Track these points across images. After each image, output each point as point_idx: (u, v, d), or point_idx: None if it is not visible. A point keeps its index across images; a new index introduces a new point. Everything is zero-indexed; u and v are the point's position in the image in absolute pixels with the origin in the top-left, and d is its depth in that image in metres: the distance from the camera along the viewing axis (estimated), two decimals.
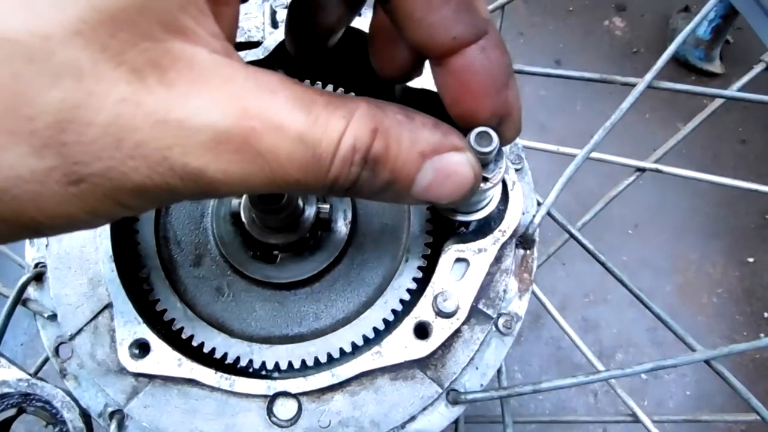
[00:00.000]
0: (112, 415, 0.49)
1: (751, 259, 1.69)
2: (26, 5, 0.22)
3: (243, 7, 0.56)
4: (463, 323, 0.49)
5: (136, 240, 0.56)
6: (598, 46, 1.95)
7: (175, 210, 0.58)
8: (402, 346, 0.48)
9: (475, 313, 0.51)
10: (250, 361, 0.52)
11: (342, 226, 0.57)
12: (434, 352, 0.48)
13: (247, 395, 0.48)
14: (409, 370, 0.49)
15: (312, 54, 0.42)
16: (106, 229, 0.51)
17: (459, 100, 0.34)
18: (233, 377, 0.48)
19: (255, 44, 0.56)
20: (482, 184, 0.39)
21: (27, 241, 0.55)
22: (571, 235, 0.64)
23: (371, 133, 0.28)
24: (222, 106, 0.25)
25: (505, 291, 0.52)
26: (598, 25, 1.98)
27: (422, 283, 0.54)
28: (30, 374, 0.50)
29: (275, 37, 0.56)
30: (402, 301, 0.53)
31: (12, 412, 0.49)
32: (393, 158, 0.29)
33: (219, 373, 0.48)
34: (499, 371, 0.59)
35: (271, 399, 0.48)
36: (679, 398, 1.53)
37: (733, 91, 0.71)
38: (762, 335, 1.59)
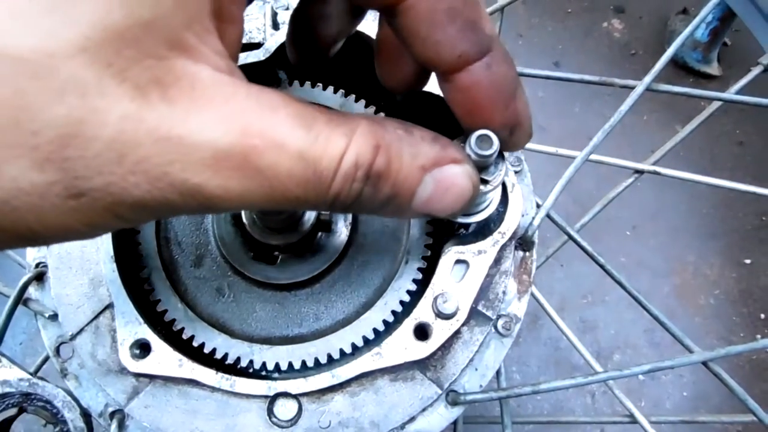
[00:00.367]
0: (112, 414, 0.50)
1: (748, 261, 1.70)
2: (31, 23, 0.22)
3: None
4: (463, 324, 0.49)
5: (137, 240, 0.56)
6: (597, 47, 1.96)
7: None
8: (402, 347, 0.48)
9: (474, 314, 0.51)
10: (251, 362, 0.52)
11: (342, 228, 0.57)
12: (434, 353, 0.49)
13: (248, 396, 0.48)
14: (409, 371, 0.50)
15: (313, 63, 0.42)
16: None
17: (469, 114, 0.35)
18: (234, 378, 0.48)
19: (256, 45, 0.57)
20: (483, 187, 0.39)
21: None
22: (570, 237, 0.64)
23: (374, 150, 0.29)
24: (223, 124, 0.26)
25: (504, 292, 0.53)
26: (597, 27, 1.99)
27: (422, 284, 0.54)
28: (31, 374, 0.50)
29: (276, 38, 0.57)
30: (402, 303, 0.54)
31: (13, 411, 0.50)
32: (395, 173, 0.30)
33: (220, 374, 0.48)
34: (498, 372, 0.59)
35: (272, 399, 0.48)
36: (676, 399, 1.53)
37: (730, 93, 0.71)
38: (759, 336, 1.60)
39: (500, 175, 0.39)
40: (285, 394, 0.48)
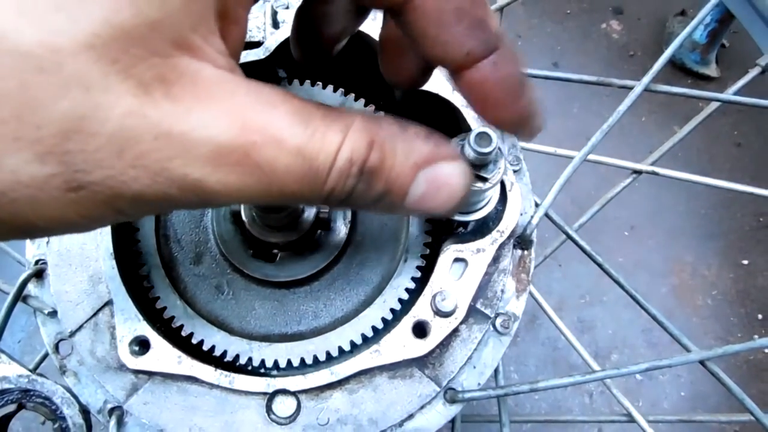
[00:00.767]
0: (111, 411, 0.50)
1: (745, 262, 1.70)
2: (39, 19, 0.23)
3: None
4: (461, 322, 0.50)
5: (137, 238, 0.56)
6: (596, 48, 1.97)
7: None
8: (400, 344, 0.48)
9: (473, 312, 0.51)
10: (250, 359, 0.52)
11: (341, 226, 0.57)
12: (432, 351, 0.49)
13: (247, 392, 0.48)
14: (408, 369, 0.50)
15: (317, 60, 0.43)
16: (107, 227, 0.51)
17: (481, 109, 0.36)
18: (233, 374, 0.48)
19: (256, 44, 0.57)
20: (482, 184, 0.39)
21: None
22: (569, 237, 0.64)
23: (368, 146, 0.29)
24: (224, 120, 0.26)
25: (502, 291, 0.53)
26: (596, 28, 1.99)
27: (421, 282, 0.54)
28: (30, 370, 0.50)
29: (276, 37, 0.57)
30: (401, 301, 0.54)
31: (12, 407, 0.50)
32: (388, 170, 0.30)
33: (219, 371, 0.48)
34: (496, 371, 0.59)
35: (270, 396, 0.48)
36: (673, 399, 1.54)
37: (728, 94, 0.71)
38: (756, 337, 1.60)
39: (499, 172, 0.39)
40: (284, 391, 0.48)
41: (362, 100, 0.55)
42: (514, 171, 0.57)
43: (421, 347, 0.48)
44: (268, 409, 0.48)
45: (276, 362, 0.52)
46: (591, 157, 0.66)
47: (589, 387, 1.52)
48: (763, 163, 1.80)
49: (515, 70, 0.35)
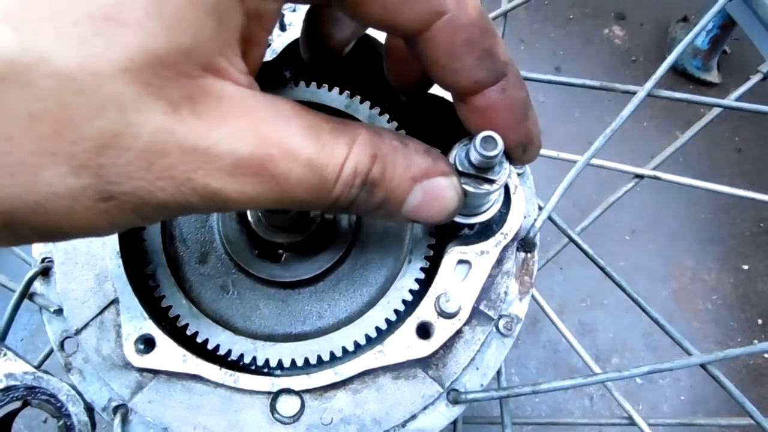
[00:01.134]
0: (116, 409, 0.50)
1: (745, 267, 1.71)
2: (77, 44, 0.24)
3: None
4: (465, 324, 0.50)
5: (143, 237, 0.56)
6: (598, 54, 1.97)
7: None
8: (404, 345, 0.49)
9: (476, 314, 0.52)
10: (254, 359, 0.53)
11: (346, 227, 0.58)
12: (436, 352, 0.49)
13: (251, 392, 0.48)
14: (411, 370, 0.50)
15: (326, 61, 0.44)
16: None
17: None
18: (237, 374, 0.48)
19: None
20: (489, 186, 0.40)
21: None
22: (572, 240, 0.65)
23: (371, 159, 0.32)
24: (244, 135, 0.28)
25: (506, 293, 0.53)
26: (598, 34, 2.00)
27: (424, 284, 0.54)
28: (36, 367, 0.51)
29: (283, 39, 0.57)
30: (404, 302, 0.54)
31: (17, 404, 0.50)
32: (388, 181, 0.33)
33: (223, 370, 0.48)
34: (498, 372, 0.60)
35: (275, 396, 0.49)
36: (673, 402, 1.54)
37: (730, 100, 0.72)
38: (756, 341, 1.60)
39: (505, 174, 0.40)
40: (288, 391, 0.49)
41: (368, 103, 0.56)
42: (518, 174, 0.57)
43: (424, 348, 0.49)
44: (272, 409, 0.48)
45: (280, 362, 0.52)
46: (593, 161, 0.66)
47: (590, 390, 1.52)
48: (764, 169, 1.81)
49: (522, 95, 0.37)
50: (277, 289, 0.57)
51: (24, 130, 0.24)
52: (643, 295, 0.64)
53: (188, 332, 0.53)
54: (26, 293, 0.54)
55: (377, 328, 0.53)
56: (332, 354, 0.53)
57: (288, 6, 0.61)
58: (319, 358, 0.53)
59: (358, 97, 0.56)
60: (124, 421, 0.49)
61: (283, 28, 0.59)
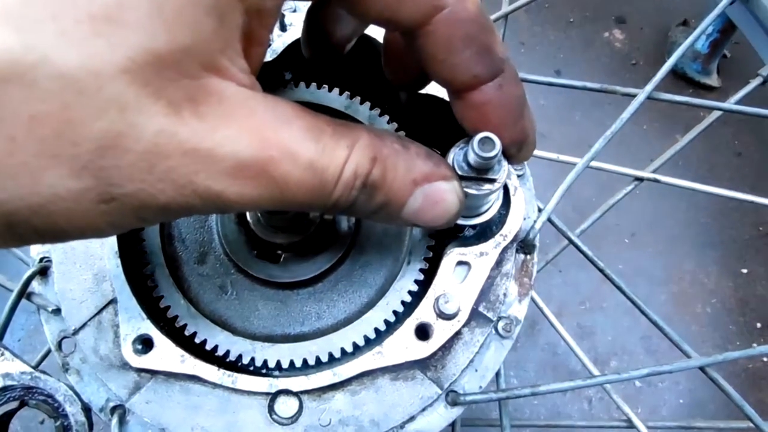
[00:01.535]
0: (113, 409, 0.50)
1: (744, 270, 1.70)
2: (78, 44, 0.24)
3: None
4: (464, 325, 0.50)
5: (141, 237, 0.56)
6: (598, 57, 1.98)
7: None
8: (403, 346, 0.48)
9: (475, 315, 0.52)
10: (252, 359, 0.52)
11: (345, 228, 0.58)
12: (434, 354, 0.49)
13: (249, 392, 0.48)
14: (410, 371, 0.50)
15: (327, 59, 0.44)
16: None
17: (480, 130, 0.37)
18: (235, 374, 0.48)
19: None
20: (490, 186, 0.40)
21: None
22: (571, 242, 0.65)
23: (371, 162, 0.32)
24: (245, 137, 0.28)
25: (505, 295, 0.53)
26: (598, 37, 2.00)
27: (423, 285, 0.54)
28: (33, 367, 0.50)
29: (283, 39, 0.57)
30: (403, 303, 0.54)
31: (14, 404, 0.50)
32: (388, 184, 0.33)
33: (221, 370, 0.48)
34: (497, 374, 0.60)
35: (273, 397, 0.48)
36: (672, 406, 1.54)
37: (730, 104, 0.72)
38: (755, 345, 1.60)
39: (504, 172, 0.40)
40: (286, 392, 0.48)
41: (368, 104, 0.56)
42: (518, 175, 0.57)
43: (423, 349, 0.48)
44: (271, 410, 0.48)
45: (278, 363, 0.52)
46: (593, 163, 0.66)
47: (588, 393, 1.52)
48: (763, 173, 1.81)
49: (518, 92, 0.36)
50: (276, 289, 0.57)
51: (26, 131, 0.24)
52: (642, 298, 0.64)
53: (186, 332, 0.53)
54: (24, 293, 0.54)
55: (376, 330, 0.53)
56: (331, 355, 0.53)
57: (288, 6, 0.61)
58: (318, 359, 0.52)
59: (358, 98, 0.56)
60: (122, 421, 0.49)
61: (283, 28, 0.59)
